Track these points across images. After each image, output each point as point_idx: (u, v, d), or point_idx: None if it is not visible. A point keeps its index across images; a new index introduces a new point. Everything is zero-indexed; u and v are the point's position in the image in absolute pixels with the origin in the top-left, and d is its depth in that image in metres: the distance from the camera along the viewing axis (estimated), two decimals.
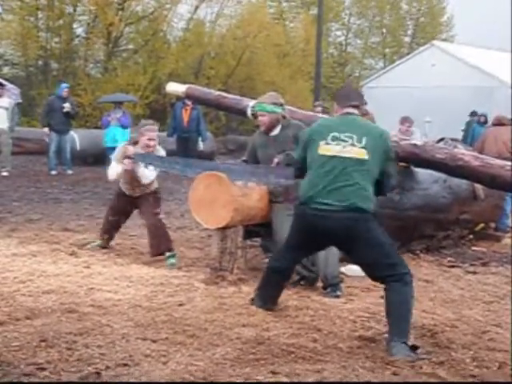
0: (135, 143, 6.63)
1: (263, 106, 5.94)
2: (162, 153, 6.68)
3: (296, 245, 4.67)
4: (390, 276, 4.31)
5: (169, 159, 6.65)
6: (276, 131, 5.97)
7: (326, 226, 4.37)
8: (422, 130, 12.63)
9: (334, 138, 4.44)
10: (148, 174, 6.51)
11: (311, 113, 8.31)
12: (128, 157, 6.43)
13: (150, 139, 6.52)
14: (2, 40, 24.43)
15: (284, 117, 6.00)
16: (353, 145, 4.39)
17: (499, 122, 9.90)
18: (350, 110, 4.63)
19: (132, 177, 6.53)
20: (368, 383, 3.64)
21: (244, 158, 6.33)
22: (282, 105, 5.98)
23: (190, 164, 6.36)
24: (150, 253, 6.46)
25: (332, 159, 4.40)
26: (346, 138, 4.41)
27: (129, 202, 6.73)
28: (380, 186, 4.52)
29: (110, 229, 6.87)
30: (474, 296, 5.80)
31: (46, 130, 14.00)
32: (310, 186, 4.46)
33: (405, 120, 10.28)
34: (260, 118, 5.98)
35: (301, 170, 4.71)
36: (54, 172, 13.83)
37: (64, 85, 14.57)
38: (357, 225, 4.33)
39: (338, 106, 4.72)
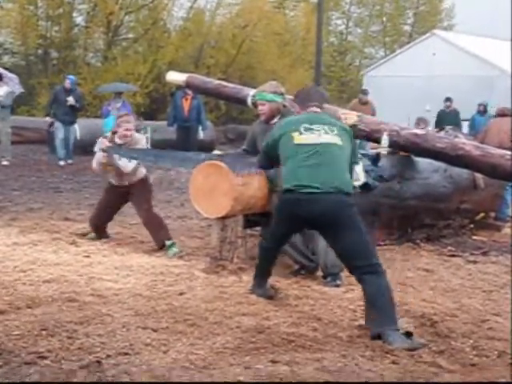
0: (114, 133, 6.69)
1: (263, 95, 5.93)
2: (143, 141, 6.85)
3: (283, 232, 4.81)
4: (365, 266, 4.35)
5: (141, 151, 6.71)
6: (275, 120, 5.96)
7: (311, 209, 4.44)
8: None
9: (307, 129, 4.63)
10: (127, 165, 6.56)
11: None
12: (102, 150, 6.54)
13: (126, 130, 6.60)
14: (2, 29, 24.33)
15: (284, 106, 6.00)
16: (326, 133, 4.59)
17: (502, 113, 9.91)
18: (313, 109, 4.83)
19: (109, 166, 6.60)
20: (368, 383, 3.65)
21: (244, 147, 6.33)
22: (282, 94, 5.97)
23: (162, 155, 6.52)
24: (157, 245, 6.51)
25: (310, 146, 4.56)
26: (317, 128, 4.62)
27: (119, 195, 6.74)
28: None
29: (101, 224, 6.88)
30: (474, 285, 5.81)
31: (48, 118, 13.95)
32: (291, 175, 4.57)
33: (420, 120, 10.31)
34: (260, 107, 5.97)
35: (265, 160, 5.09)
36: (62, 163, 13.68)
37: (70, 76, 14.49)
38: (342, 207, 4.44)
39: (300, 106, 4.95)
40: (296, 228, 4.85)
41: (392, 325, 4.20)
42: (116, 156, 6.50)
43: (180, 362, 3.63)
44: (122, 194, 6.71)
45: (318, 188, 4.43)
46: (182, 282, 5.29)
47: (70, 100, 13.61)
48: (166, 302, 4.68)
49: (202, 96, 14.05)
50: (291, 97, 6.96)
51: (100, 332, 4.00)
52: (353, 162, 4.84)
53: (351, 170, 4.79)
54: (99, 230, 6.86)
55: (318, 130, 4.60)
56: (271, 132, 5.00)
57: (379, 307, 4.28)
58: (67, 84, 13.86)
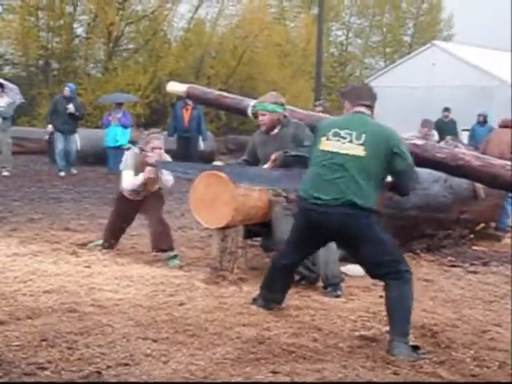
0: (141, 150, 6.63)
1: (264, 105, 5.96)
2: (168, 158, 6.76)
3: (297, 241, 4.66)
4: (389, 273, 4.30)
5: (185, 165, 6.80)
6: (276, 130, 5.99)
7: (324, 221, 4.38)
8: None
9: (335, 134, 4.46)
10: (169, 180, 6.64)
11: (312, 112, 8.31)
12: (150, 165, 6.47)
13: (154, 148, 6.53)
14: (3, 40, 24.40)
15: (285, 116, 6.02)
16: (351, 141, 4.40)
17: (505, 125, 9.93)
18: (360, 108, 4.61)
19: (153, 180, 6.59)
20: (369, 383, 3.64)
21: (244, 158, 6.34)
22: (282, 104, 6.00)
23: (204, 169, 6.40)
24: (152, 247, 6.48)
25: (330, 155, 4.43)
26: (345, 135, 4.43)
27: (133, 206, 6.75)
28: (396, 185, 4.55)
29: (117, 234, 6.89)
30: (475, 295, 5.81)
31: (50, 127, 13.88)
32: (309, 182, 4.49)
33: (425, 123, 10.35)
34: (261, 118, 5.99)
35: None
36: (62, 174, 13.56)
37: (69, 85, 14.45)
38: (353, 221, 4.32)
39: (350, 104, 4.69)
40: (310, 242, 4.64)
41: (402, 337, 4.17)
42: (163, 172, 6.52)
43: (180, 373, 3.62)
44: (135, 204, 6.73)
45: (328, 200, 4.34)
46: (182, 292, 5.28)
47: (70, 108, 13.49)
48: (166, 313, 4.68)
49: (203, 106, 14.09)
50: (292, 107, 7.00)
51: (100, 343, 3.99)
52: (401, 170, 4.48)
53: (402, 173, 4.50)
54: (112, 241, 6.83)
55: (343, 138, 4.41)
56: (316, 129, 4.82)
57: (395, 316, 4.25)
58: (66, 92, 13.77)
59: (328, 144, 4.46)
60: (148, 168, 6.49)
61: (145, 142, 6.62)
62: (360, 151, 4.37)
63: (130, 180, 6.60)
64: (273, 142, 5.96)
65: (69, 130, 13.70)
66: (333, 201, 4.33)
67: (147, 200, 6.67)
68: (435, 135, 10.50)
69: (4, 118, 13.25)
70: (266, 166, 5.95)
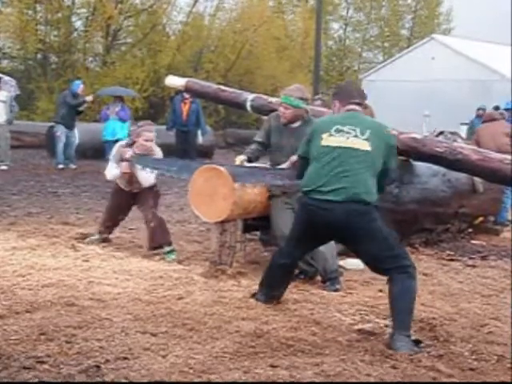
0: (132, 144, 6.59)
1: (290, 99, 5.79)
2: (159, 153, 6.66)
3: (299, 237, 4.64)
4: (393, 269, 4.29)
5: (166, 161, 6.56)
6: (297, 124, 5.85)
7: (328, 217, 4.35)
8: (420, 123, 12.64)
9: (338, 130, 4.45)
10: (147, 177, 6.48)
11: (311, 106, 8.30)
12: (125, 159, 6.43)
13: (147, 140, 6.50)
14: (1, 33, 24.39)
15: (307, 112, 5.93)
16: (356, 136, 4.40)
17: (491, 118, 9.91)
18: (353, 106, 4.64)
19: (130, 176, 6.53)
20: (367, 378, 3.65)
21: (258, 139, 6.12)
22: (307, 99, 5.89)
23: (186, 166, 6.30)
24: (148, 246, 6.46)
25: (335, 150, 4.40)
26: (349, 130, 4.42)
27: (128, 198, 6.71)
28: (380, 181, 4.51)
29: (111, 226, 6.88)
30: (473, 289, 5.81)
31: (62, 127, 13.87)
32: (313, 177, 4.46)
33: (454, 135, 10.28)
34: (282, 110, 5.83)
35: (303, 166, 4.69)
36: (61, 166, 13.71)
37: (78, 82, 14.52)
38: (359, 216, 4.31)
39: (340, 103, 4.72)
40: (312, 238, 4.63)
41: (404, 330, 4.16)
42: (138, 167, 6.41)
43: (179, 367, 3.62)
44: (131, 196, 6.69)
45: (332, 196, 4.31)
46: (180, 286, 5.28)
47: (82, 106, 13.88)
48: (164, 307, 4.68)
49: (201, 100, 14.08)
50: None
51: (99, 336, 3.99)
52: (389, 168, 4.53)
53: (388, 171, 4.54)
54: (106, 233, 6.83)
55: (347, 133, 4.41)
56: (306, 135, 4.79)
57: (397, 309, 4.24)
58: (80, 90, 13.93)
59: (331, 139, 4.44)
60: (123, 163, 6.45)
61: (136, 134, 6.58)
62: (367, 146, 4.38)
63: (109, 171, 6.61)
64: (289, 135, 5.80)
65: (72, 124, 13.88)
66: (340, 196, 4.31)
67: (142, 194, 6.61)
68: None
69: (9, 122, 13.50)
70: (283, 166, 5.84)
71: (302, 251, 4.83)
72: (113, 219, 6.85)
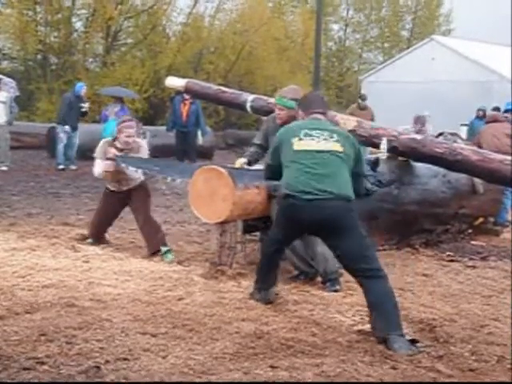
0: (114, 140, 6.61)
1: (284, 101, 5.83)
2: (144, 147, 6.69)
3: (283, 234, 4.78)
4: (368, 270, 4.37)
5: (149, 161, 6.63)
6: None
7: (312, 216, 4.45)
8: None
9: (306, 134, 4.63)
10: (134, 175, 6.52)
11: None
12: (109, 158, 6.44)
13: (128, 136, 6.52)
14: (1, 34, 24.38)
15: None
16: (326, 139, 4.58)
17: (494, 119, 9.92)
18: (316, 115, 4.81)
19: (116, 175, 6.52)
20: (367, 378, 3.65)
21: (257, 142, 6.20)
22: None
23: (169, 165, 6.34)
24: (148, 251, 6.46)
25: (309, 153, 4.55)
26: (318, 134, 4.61)
27: (118, 200, 6.70)
28: (354, 188, 4.62)
29: (102, 228, 6.86)
30: (473, 290, 5.81)
31: (67, 127, 13.87)
32: (292, 181, 4.57)
33: (418, 119, 10.33)
34: (277, 111, 5.89)
35: (272, 173, 4.94)
36: (61, 166, 13.73)
37: (81, 84, 14.54)
38: (342, 213, 4.45)
39: (304, 112, 4.92)
40: (295, 233, 4.83)
41: (397, 330, 4.20)
42: (122, 165, 6.42)
43: (179, 367, 3.62)
44: (121, 199, 6.68)
45: (317, 194, 4.43)
46: (180, 287, 5.28)
47: (86, 107, 13.88)
48: (164, 308, 4.68)
49: (202, 101, 14.08)
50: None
51: (99, 337, 4.00)
52: (358, 173, 4.73)
53: (358, 176, 4.72)
54: (99, 236, 6.84)
55: (317, 137, 4.59)
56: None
57: (383, 312, 4.28)
58: (83, 92, 13.97)
59: (302, 144, 4.60)
60: (106, 162, 6.46)
61: (118, 130, 6.58)
62: (338, 147, 4.57)
63: (96, 168, 6.62)
64: None
65: (76, 125, 13.90)
66: (322, 194, 4.43)
67: (132, 196, 6.61)
68: (429, 131, 10.44)
69: (9, 123, 13.53)
70: None
71: (288, 242, 4.98)
72: (103, 222, 6.84)
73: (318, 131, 4.62)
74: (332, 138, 4.59)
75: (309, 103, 4.95)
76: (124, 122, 6.65)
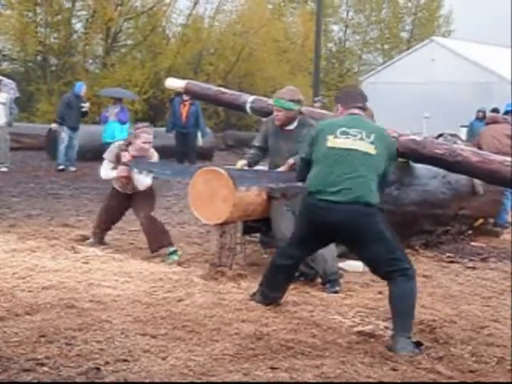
0: (128, 144, 6.58)
1: (281, 102, 5.81)
2: (155, 154, 6.66)
3: (302, 237, 4.66)
4: (394, 271, 4.30)
5: (161, 165, 6.60)
6: (292, 126, 5.85)
7: (331, 218, 4.37)
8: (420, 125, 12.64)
9: (344, 132, 4.48)
10: (143, 180, 6.50)
11: (310, 108, 8.31)
12: (123, 163, 6.43)
13: (145, 142, 6.47)
14: (1, 35, 24.38)
15: (301, 113, 5.92)
16: (362, 139, 4.43)
17: (494, 121, 9.92)
18: (356, 111, 4.67)
19: (126, 179, 6.52)
20: (367, 379, 3.65)
21: (257, 144, 6.19)
22: (299, 101, 5.86)
23: (183, 170, 6.35)
24: (149, 249, 6.45)
25: (341, 151, 4.43)
26: (355, 133, 4.46)
27: (123, 200, 6.70)
28: (380, 184, 4.53)
29: (105, 228, 6.88)
30: (473, 291, 5.81)
31: (54, 125, 13.85)
32: (317, 178, 4.48)
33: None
34: (275, 113, 5.87)
35: (305, 168, 4.70)
36: (61, 167, 13.73)
37: (80, 83, 14.55)
38: (363, 218, 4.34)
39: (343, 107, 4.75)
40: (314, 240, 4.64)
41: (405, 332, 4.17)
42: (135, 171, 6.41)
43: (178, 369, 3.62)
44: (126, 199, 6.68)
45: (337, 197, 4.34)
46: (180, 288, 5.28)
47: (87, 106, 13.86)
48: (164, 309, 4.68)
49: (201, 102, 14.08)
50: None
51: (99, 338, 3.99)
52: (385, 174, 4.54)
53: (384, 179, 4.55)
54: (101, 236, 6.84)
55: (353, 135, 4.44)
56: (308, 137, 4.81)
57: (399, 311, 4.26)
58: (83, 91, 13.96)
59: (337, 141, 4.46)
60: (121, 167, 6.45)
61: (134, 136, 6.54)
62: (372, 149, 4.42)
63: (105, 171, 6.62)
64: (285, 138, 5.83)
65: (76, 126, 13.90)
66: (344, 198, 4.34)
67: (137, 197, 6.60)
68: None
69: (9, 125, 13.54)
70: (281, 169, 5.87)
71: (303, 253, 4.81)
72: (108, 221, 6.85)
73: (355, 129, 4.47)
74: (369, 138, 4.43)
75: (348, 98, 4.78)
76: (142, 127, 6.57)
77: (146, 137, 6.48)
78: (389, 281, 4.36)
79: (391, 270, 4.31)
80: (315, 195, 4.44)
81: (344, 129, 4.49)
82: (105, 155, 6.69)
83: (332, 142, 4.48)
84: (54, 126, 14.13)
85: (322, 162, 4.49)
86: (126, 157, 6.44)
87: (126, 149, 6.53)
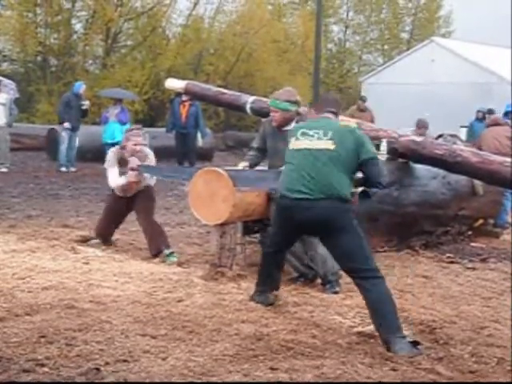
0: (122, 148, 6.64)
1: (276, 102, 5.81)
2: (151, 155, 6.73)
3: (281, 235, 4.82)
4: (362, 270, 4.39)
5: (169, 169, 6.75)
6: (289, 127, 5.81)
7: (305, 216, 4.50)
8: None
9: (303, 134, 4.68)
10: (151, 182, 6.70)
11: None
12: (132, 168, 6.46)
13: (135, 144, 6.55)
14: (1, 36, 24.38)
15: (298, 113, 5.92)
16: (319, 138, 4.60)
17: (495, 123, 9.93)
18: (328, 115, 4.84)
19: (135, 184, 6.57)
20: (367, 380, 3.65)
21: (255, 145, 6.20)
22: (296, 102, 5.85)
23: (189, 172, 6.43)
24: (150, 253, 6.47)
25: (302, 152, 4.62)
26: (312, 133, 4.64)
27: (125, 203, 6.72)
28: (366, 177, 4.63)
29: (110, 231, 6.89)
30: (473, 292, 5.81)
31: (66, 124, 13.76)
32: (286, 179, 4.67)
33: (420, 123, 10.36)
34: (272, 114, 5.87)
35: None
36: (63, 169, 13.71)
37: (80, 82, 14.55)
38: (336, 213, 4.47)
39: (316, 111, 4.99)
40: (292, 234, 4.83)
41: (397, 332, 4.20)
42: (146, 176, 6.53)
43: (178, 369, 3.62)
44: (127, 201, 6.70)
45: (309, 194, 4.48)
46: (180, 288, 5.28)
47: (87, 104, 13.85)
48: (164, 309, 4.68)
49: (201, 103, 14.07)
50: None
51: (99, 339, 3.99)
52: (367, 160, 4.56)
53: (368, 162, 4.55)
54: (106, 238, 6.86)
55: (312, 136, 4.62)
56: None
57: (382, 314, 4.28)
58: (82, 90, 13.94)
59: (298, 143, 4.67)
60: (130, 172, 6.48)
61: (125, 139, 6.63)
62: (329, 145, 4.55)
63: (114, 179, 6.63)
64: (283, 139, 5.81)
65: (77, 126, 13.87)
66: (313, 194, 4.47)
67: (137, 199, 6.64)
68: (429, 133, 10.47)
69: (9, 125, 13.54)
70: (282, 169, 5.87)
71: (287, 243, 4.98)
72: (111, 224, 6.86)
73: (314, 130, 4.65)
74: (326, 135, 4.58)
75: (322, 103, 5.03)
76: (132, 130, 6.71)
77: (136, 139, 6.58)
78: (360, 282, 4.42)
79: (361, 267, 4.40)
80: (287, 195, 4.59)
81: (304, 130, 4.70)
82: (106, 165, 6.72)
83: (294, 144, 4.72)
84: (66, 125, 13.92)
85: (290, 164, 4.70)
86: (134, 162, 6.48)
87: (122, 153, 6.58)
